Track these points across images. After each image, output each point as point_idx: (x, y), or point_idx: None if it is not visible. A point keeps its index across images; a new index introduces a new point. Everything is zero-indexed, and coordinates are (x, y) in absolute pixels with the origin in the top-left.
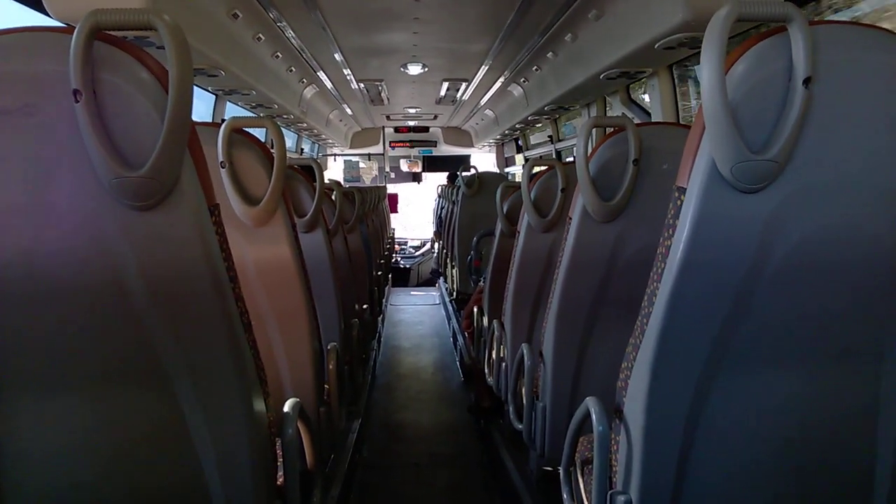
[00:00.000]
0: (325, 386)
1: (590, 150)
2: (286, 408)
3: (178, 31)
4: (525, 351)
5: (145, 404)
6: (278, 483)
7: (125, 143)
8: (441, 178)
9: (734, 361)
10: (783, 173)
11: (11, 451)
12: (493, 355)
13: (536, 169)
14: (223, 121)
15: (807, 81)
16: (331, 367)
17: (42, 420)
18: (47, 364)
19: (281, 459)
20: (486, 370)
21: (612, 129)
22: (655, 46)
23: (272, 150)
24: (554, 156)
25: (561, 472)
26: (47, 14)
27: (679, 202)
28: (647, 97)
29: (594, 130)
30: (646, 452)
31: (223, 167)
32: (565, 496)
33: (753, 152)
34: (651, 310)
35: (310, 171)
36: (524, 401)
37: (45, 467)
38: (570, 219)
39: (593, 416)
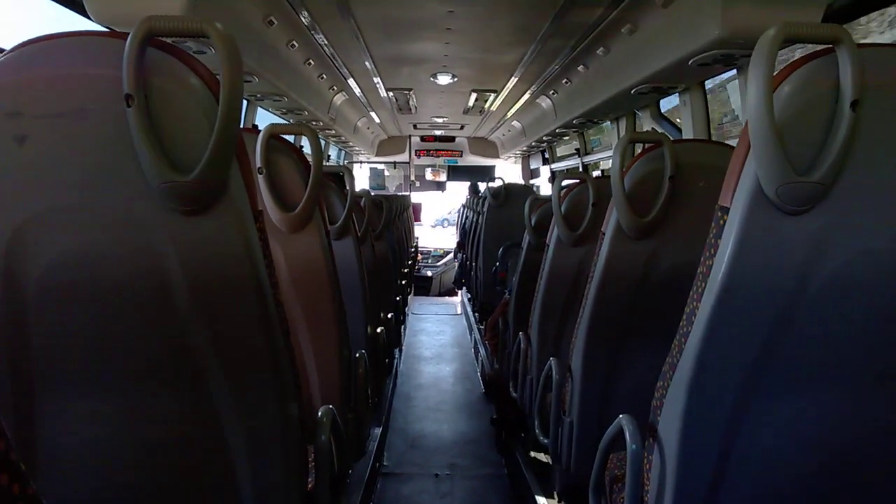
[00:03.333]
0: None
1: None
2: (319, 414)
3: (229, 40)
4: (553, 365)
5: (182, 406)
6: (308, 488)
7: (175, 148)
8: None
9: (773, 383)
10: (828, 196)
11: (49, 447)
12: (519, 368)
13: (566, 182)
14: (255, 126)
15: (854, 104)
16: (359, 373)
17: (79, 418)
18: (88, 363)
19: (311, 465)
20: (511, 382)
21: (646, 146)
22: (689, 62)
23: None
24: (581, 169)
25: (590, 489)
26: (88, 17)
27: (722, 222)
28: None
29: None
30: (680, 472)
31: (260, 173)
32: None
33: (799, 174)
34: (689, 329)
35: (339, 179)
36: (551, 415)
37: (80, 464)
38: (603, 234)
39: (627, 435)
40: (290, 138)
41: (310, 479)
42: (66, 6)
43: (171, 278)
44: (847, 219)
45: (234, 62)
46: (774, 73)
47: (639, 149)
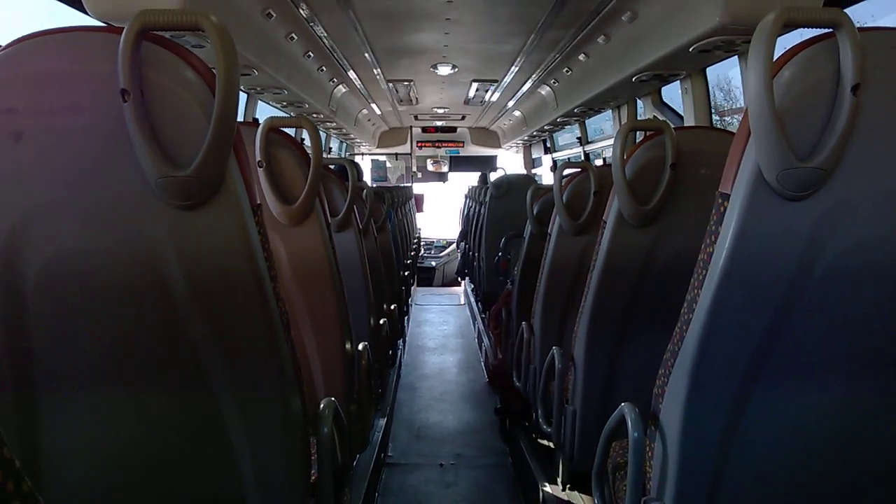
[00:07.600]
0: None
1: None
2: (322, 406)
3: (225, 33)
4: (556, 354)
5: (184, 401)
6: (311, 480)
7: (171, 142)
8: (468, 177)
9: (774, 370)
10: (829, 181)
11: (51, 447)
12: (522, 357)
13: (567, 171)
14: (255, 119)
15: (855, 88)
16: (362, 365)
17: (82, 417)
18: (88, 361)
19: (314, 457)
20: (514, 372)
21: (647, 133)
22: (690, 49)
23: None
24: (582, 157)
25: (593, 477)
26: (86, 12)
27: (722, 209)
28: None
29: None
30: (681, 460)
31: (260, 166)
32: (597, 501)
33: (800, 159)
34: (691, 316)
35: (341, 171)
36: (553, 404)
37: (83, 463)
38: (605, 222)
39: (629, 422)
40: (292, 132)
41: (313, 472)
42: (63, 2)
43: (170, 273)
44: (848, 204)
45: (230, 54)
46: (774, 59)
47: (640, 137)
